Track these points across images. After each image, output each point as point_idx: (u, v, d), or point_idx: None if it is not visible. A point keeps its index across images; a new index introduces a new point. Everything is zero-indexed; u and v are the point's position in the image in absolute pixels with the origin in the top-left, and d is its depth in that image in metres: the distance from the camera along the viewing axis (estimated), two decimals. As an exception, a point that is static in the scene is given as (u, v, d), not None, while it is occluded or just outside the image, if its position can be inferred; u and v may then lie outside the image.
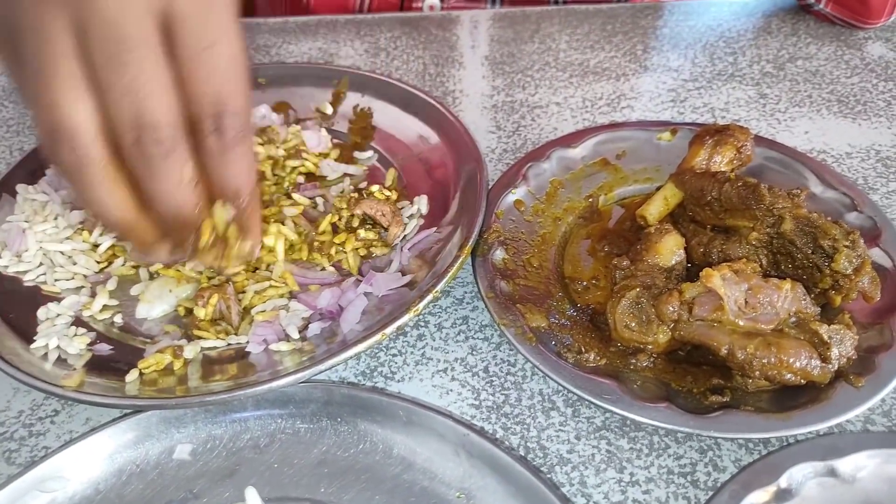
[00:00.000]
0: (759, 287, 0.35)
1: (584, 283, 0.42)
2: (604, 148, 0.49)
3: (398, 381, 0.37)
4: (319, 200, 0.46)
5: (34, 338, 0.37)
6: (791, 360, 0.34)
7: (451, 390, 0.37)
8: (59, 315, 0.39)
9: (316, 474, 0.32)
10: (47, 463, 0.32)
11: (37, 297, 0.40)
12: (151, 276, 0.41)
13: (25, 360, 0.36)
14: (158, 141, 0.29)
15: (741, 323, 0.35)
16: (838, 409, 0.33)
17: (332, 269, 0.41)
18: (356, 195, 0.44)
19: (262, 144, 0.48)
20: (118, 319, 0.39)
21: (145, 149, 0.29)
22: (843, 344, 0.34)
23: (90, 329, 0.39)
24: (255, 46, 0.63)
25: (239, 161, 0.31)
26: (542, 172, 0.47)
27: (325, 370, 0.33)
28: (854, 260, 0.36)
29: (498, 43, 0.64)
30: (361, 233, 0.42)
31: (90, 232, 0.43)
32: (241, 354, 0.37)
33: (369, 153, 0.50)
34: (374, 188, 0.44)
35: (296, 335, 0.37)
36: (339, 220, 0.43)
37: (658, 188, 0.44)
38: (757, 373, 0.34)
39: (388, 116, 0.52)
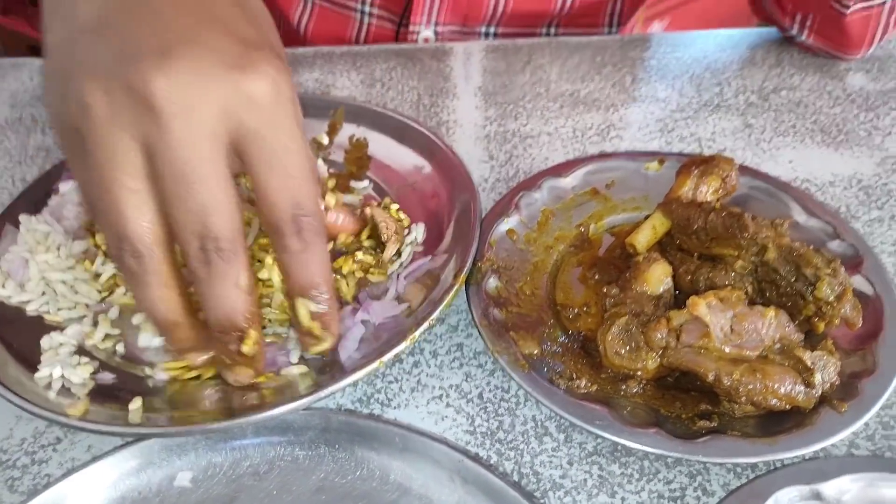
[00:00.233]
0: (744, 314, 0.36)
1: (576, 311, 0.43)
2: (593, 178, 0.50)
3: (394, 407, 0.38)
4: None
5: (38, 367, 0.38)
6: (776, 386, 0.35)
7: (447, 416, 0.38)
8: (62, 344, 0.40)
9: (314, 501, 0.33)
10: (50, 491, 0.33)
11: (40, 326, 0.41)
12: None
13: (30, 389, 0.36)
14: (220, 250, 0.31)
15: (727, 349, 0.36)
16: (823, 433, 0.34)
17: None
18: (374, 202, 0.45)
19: None
20: (120, 348, 0.40)
21: (208, 256, 0.31)
22: (826, 370, 0.35)
23: (93, 358, 0.39)
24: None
25: (317, 258, 0.34)
26: (534, 202, 0.48)
27: (325, 397, 0.34)
28: (836, 287, 0.38)
29: (491, 74, 0.65)
30: (359, 255, 0.44)
31: (92, 262, 0.44)
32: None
33: (365, 182, 0.51)
34: (394, 205, 0.46)
35: (295, 360, 0.38)
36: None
37: (646, 217, 0.45)
38: (743, 398, 0.35)
39: (383, 146, 0.53)
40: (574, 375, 0.38)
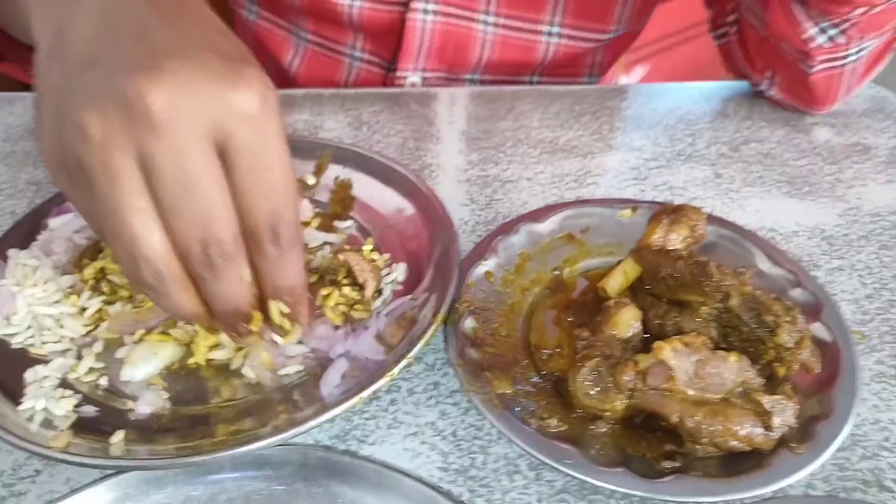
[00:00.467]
0: (707, 359, 0.38)
1: (549, 352, 0.44)
2: (569, 223, 0.52)
3: (371, 443, 0.39)
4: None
5: (21, 399, 0.39)
6: (736, 428, 0.36)
7: (421, 453, 0.39)
8: (46, 377, 0.40)
9: (289, 535, 0.34)
10: (29, 523, 0.33)
11: (24, 359, 0.42)
12: (137, 341, 0.43)
13: (12, 420, 0.37)
14: (224, 253, 0.33)
15: (691, 392, 0.37)
16: (781, 474, 0.36)
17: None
18: (347, 247, 0.47)
19: None
20: (103, 381, 0.41)
21: (211, 259, 0.33)
22: (784, 413, 0.37)
23: (76, 391, 0.40)
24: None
25: (292, 263, 0.35)
26: (512, 245, 0.50)
27: (304, 432, 0.35)
28: (794, 334, 0.40)
29: (474, 119, 0.68)
30: (346, 290, 0.45)
31: (78, 296, 0.45)
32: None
33: (349, 222, 0.53)
34: (367, 246, 0.47)
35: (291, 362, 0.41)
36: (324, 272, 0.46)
37: (619, 262, 0.47)
38: (705, 439, 0.36)
39: (367, 188, 0.55)
40: (545, 415, 0.39)
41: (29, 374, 0.41)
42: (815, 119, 0.69)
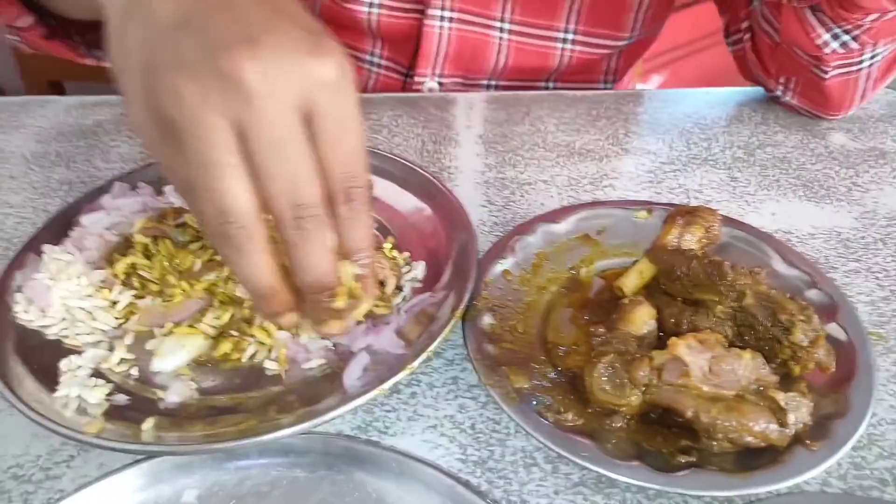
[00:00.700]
0: (722, 356, 0.39)
1: (566, 349, 0.45)
2: (586, 224, 0.53)
3: (391, 435, 0.40)
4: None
5: (56, 387, 0.40)
6: (751, 424, 0.37)
7: (440, 445, 0.40)
8: (79, 367, 0.42)
9: (313, 521, 0.35)
10: (63, 504, 0.35)
11: (59, 349, 0.43)
12: (166, 333, 0.45)
13: (48, 407, 0.39)
14: (314, 216, 0.35)
15: (706, 388, 0.38)
16: (795, 470, 0.36)
17: None
18: None
19: None
20: (134, 372, 0.42)
21: (302, 223, 0.34)
22: (799, 410, 0.38)
23: (108, 380, 0.42)
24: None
25: (364, 225, 0.37)
26: (529, 245, 0.51)
27: (327, 421, 0.36)
28: (809, 333, 0.40)
29: (491, 124, 0.69)
30: None
31: (110, 290, 0.46)
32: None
33: (370, 223, 0.54)
34: (387, 245, 0.48)
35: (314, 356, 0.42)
36: None
37: (634, 262, 0.48)
38: (720, 435, 0.37)
39: (387, 189, 0.56)
40: (562, 409, 0.40)
41: (63, 364, 0.42)
42: (831, 124, 0.69)
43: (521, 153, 0.65)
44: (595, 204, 0.55)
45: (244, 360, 0.43)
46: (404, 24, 0.74)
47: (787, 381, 0.41)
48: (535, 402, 0.40)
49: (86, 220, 0.51)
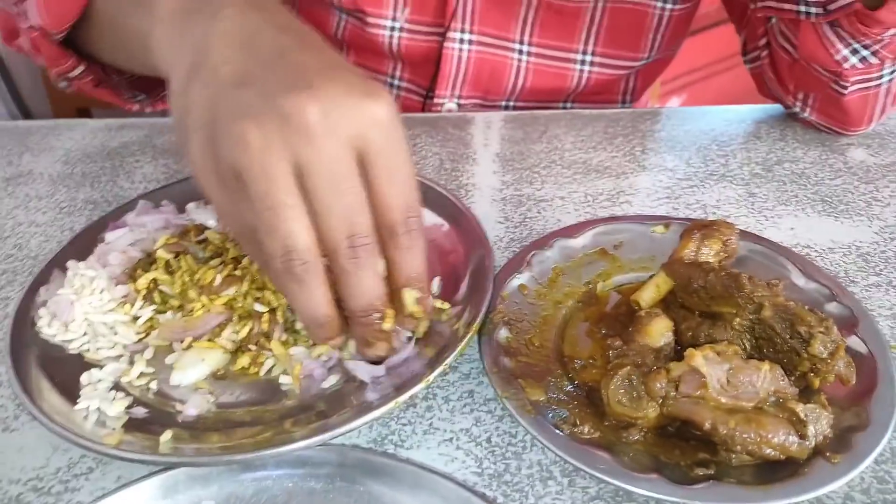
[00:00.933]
0: (739, 367, 0.38)
1: (582, 362, 0.45)
2: (603, 239, 0.53)
3: (407, 448, 0.40)
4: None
5: (77, 400, 0.41)
6: (770, 436, 0.36)
7: (456, 458, 0.40)
8: (100, 380, 0.43)
9: (328, 533, 0.35)
10: (83, 514, 0.35)
11: (80, 363, 0.44)
12: (186, 348, 0.45)
13: (69, 419, 0.39)
14: (366, 246, 0.37)
15: (723, 400, 0.38)
16: (816, 483, 0.36)
17: None
18: None
19: None
20: (154, 385, 0.43)
21: (356, 252, 0.37)
22: (819, 422, 0.37)
23: (128, 394, 0.42)
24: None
25: (421, 253, 0.40)
26: (545, 260, 0.51)
27: (344, 434, 0.37)
28: (829, 345, 0.40)
29: (508, 142, 0.70)
30: None
31: (132, 305, 0.47)
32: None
33: (387, 239, 0.54)
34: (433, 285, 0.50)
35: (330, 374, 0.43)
36: None
37: (651, 276, 0.48)
38: (738, 447, 0.36)
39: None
40: (578, 422, 0.40)
41: (84, 377, 0.43)
42: (850, 140, 0.69)
43: (538, 171, 0.65)
44: (612, 219, 0.55)
45: (262, 374, 0.44)
46: (425, 47, 0.76)
47: (806, 394, 0.40)
48: (551, 415, 0.40)
49: (110, 236, 0.52)
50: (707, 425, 0.37)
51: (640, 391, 0.39)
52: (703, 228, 0.48)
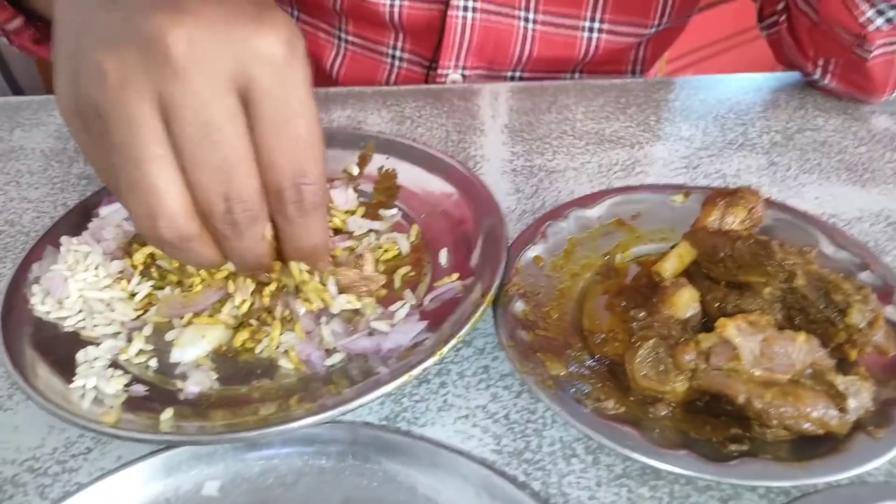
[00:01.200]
0: (774, 338, 0.36)
1: (603, 336, 0.43)
2: (619, 209, 0.51)
3: (421, 426, 0.38)
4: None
5: (73, 378, 0.39)
6: (808, 410, 0.34)
7: (473, 436, 0.38)
8: (96, 358, 0.41)
9: (340, 514, 0.33)
10: (79, 496, 0.33)
11: (76, 341, 0.42)
12: (185, 324, 0.43)
13: (65, 398, 0.37)
14: (246, 211, 0.31)
15: (757, 373, 0.36)
16: (858, 459, 0.34)
17: None
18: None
19: None
20: (153, 363, 0.41)
21: (234, 217, 0.31)
22: (859, 395, 0.35)
23: (126, 372, 0.40)
24: (287, 114, 0.67)
25: (316, 226, 0.34)
26: (560, 231, 0.49)
27: (354, 409, 0.34)
28: (867, 314, 0.37)
29: (517, 113, 0.67)
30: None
31: (128, 281, 0.45)
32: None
33: (394, 211, 0.52)
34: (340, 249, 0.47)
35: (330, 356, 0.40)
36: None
37: (672, 247, 0.45)
38: (775, 421, 0.34)
39: (412, 176, 0.54)
40: (602, 397, 0.37)
41: (80, 355, 0.41)
42: (873, 107, 0.66)
43: (549, 141, 0.63)
44: (629, 189, 0.53)
45: (257, 351, 0.41)
46: (427, 16, 0.73)
47: (842, 367, 0.38)
48: (573, 390, 0.38)
49: (104, 210, 0.50)
50: (741, 399, 0.35)
51: (667, 364, 0.37)
52: (726, 196, 0.46)
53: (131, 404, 0.38)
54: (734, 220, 0.45)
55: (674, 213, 0.50)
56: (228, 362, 0.41)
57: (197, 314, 0.43)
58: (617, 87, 0.71)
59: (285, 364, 0.41)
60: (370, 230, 0.51)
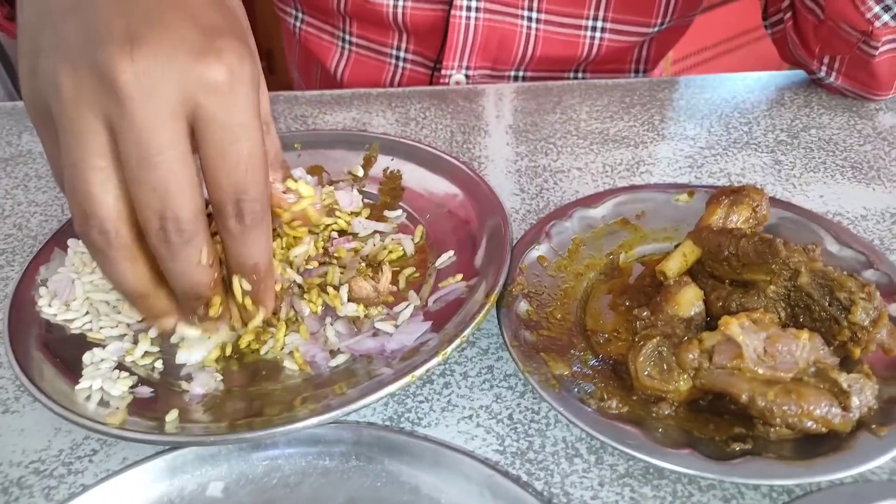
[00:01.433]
0: (777, 336, 0.36)
1: (606, 336, 0.43)
2: (624, 208, 0.51)
3: (424, 426, 0.38)
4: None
5: (79, 380, 0.39)
6: (811, 408, 0.34)
7: (476, 436, 0.38)
8: (103, 360, 0.41)
9: (344, 514, 0.33)
10: (84, 497, 0.33)
11: (83, 343, 0.42)
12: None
13: (71, 400, 0.37)
14: (180, 231, 0.32)
15: (760, 371, 0.35)
16: (861, 457, 0.33)
17: None
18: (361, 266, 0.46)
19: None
20: (159, 365, 0.41)
21: (168, 236, 0.32)
22: (863, 393, 0.35)
23: (132, 373, 0.40)
24: (292, 116, 0.67)
25: (256, 241, 0.35)
26: (565, 230, 0.49)
27: (358, 409, 0.35)
28: (871, 312, 0.37)
29: (521, 113, 0.67)
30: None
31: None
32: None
33: (398, 212, 0.52)
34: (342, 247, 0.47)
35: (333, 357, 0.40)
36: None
37: (676, 246, 0.45)
38: (778, 420, 0.34)
39: (416, 177, 0.54)
40: (605, 396, 0.37)
41: (86, 357, 0.41)
42: (879, 105, 0.66)
43: (554, 141, 0.63)
44: (633, 188, 0.52)
45: (262, 353, 0.42)
46: (430, 17, 0.73)
47: (846, 365, 0.38)
48: (576, 390, 0.38)
49: (111, 213, 0.50)
50: (744, 398, 0.35)
51: (671, 363, 0.37)
52: (731, 194, 0.46)
53: (137, 406, 0.38)
54: (738, 219, 0.45)
55: (678, 212, 0.50)
56: (234, 364, 0.41)
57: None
58: (621, 87, 0.71)
59: (290, 365, 0.41)
60: (375, 231, 0.51)
